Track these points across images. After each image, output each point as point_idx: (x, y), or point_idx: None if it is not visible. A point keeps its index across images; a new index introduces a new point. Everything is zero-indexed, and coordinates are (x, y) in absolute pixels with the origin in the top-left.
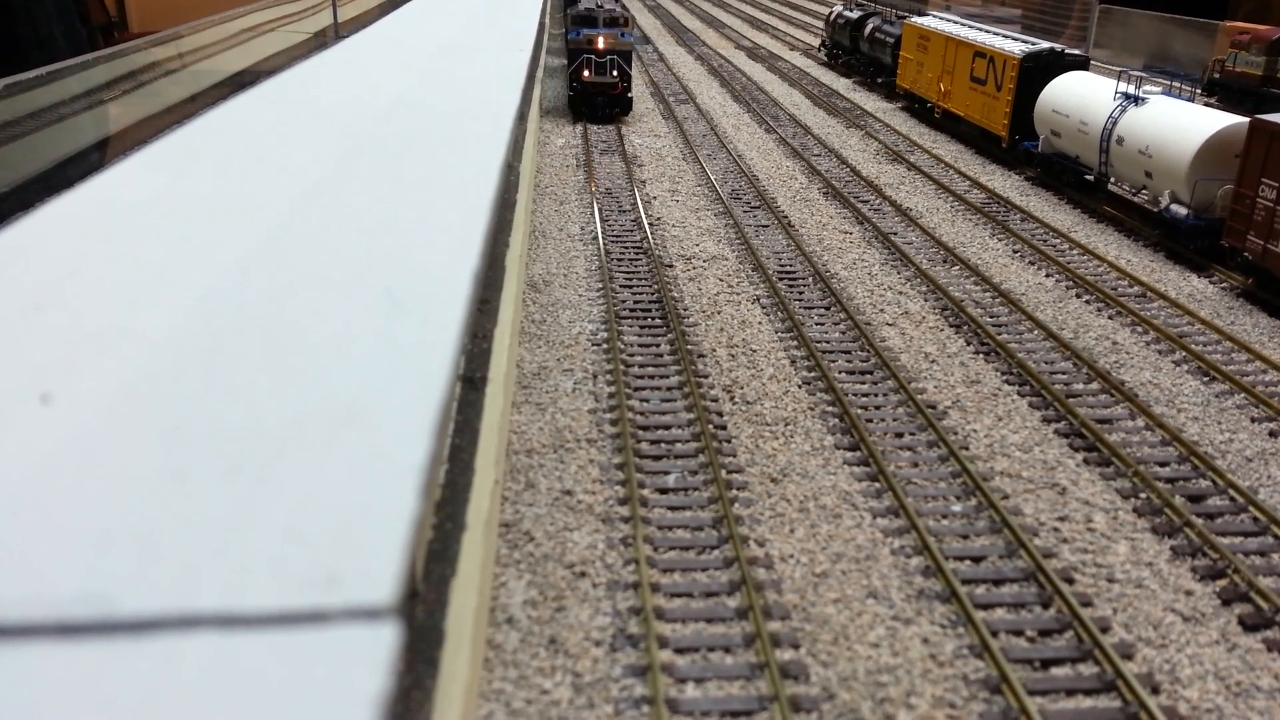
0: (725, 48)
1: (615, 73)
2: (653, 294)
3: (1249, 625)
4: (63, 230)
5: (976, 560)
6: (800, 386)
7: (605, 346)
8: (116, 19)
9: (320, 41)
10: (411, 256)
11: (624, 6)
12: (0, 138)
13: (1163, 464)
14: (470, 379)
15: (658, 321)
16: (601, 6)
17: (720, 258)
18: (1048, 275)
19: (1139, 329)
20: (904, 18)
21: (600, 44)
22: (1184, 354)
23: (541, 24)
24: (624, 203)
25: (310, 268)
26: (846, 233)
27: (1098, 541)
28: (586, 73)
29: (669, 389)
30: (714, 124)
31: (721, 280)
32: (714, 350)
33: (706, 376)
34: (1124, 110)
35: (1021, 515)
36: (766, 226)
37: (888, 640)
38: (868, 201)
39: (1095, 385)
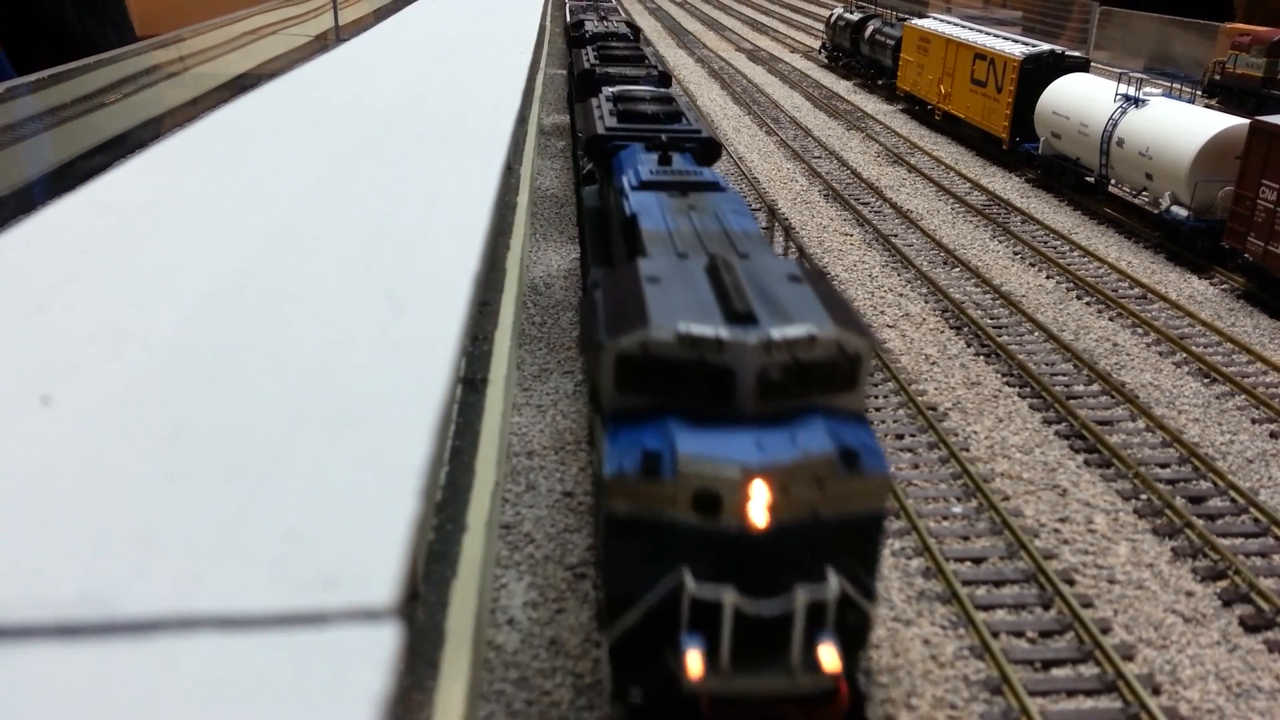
0: (726, 50)
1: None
2: None
3: (1250, 626)
4: (64, 232)
5: (977, 562)
6: None
7: None
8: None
9: (321, 45)
10: (412, 259)
11: (824, 284)
12: (2, 140)
13: (1163, 465)
14: (471, 381)
15: None
16: (733, 284)
17: None
18: (1048, 277)
19: (1139, 330)
20: (904, 20)
21: (756, 517)
22: (1185, 355)
23: (542, 26)
24: None
25: (311, 270)
26: (847, 235)
27: (1098, 543)
28: (696, 665)
29: None
30: (714, 126)
31: None
32: None
33: None
34: (1124, 112)
35: (1022, 517)
36: (767, 229)
37: (888, 641)
38: (868, 203)
39: (1096, 387)
